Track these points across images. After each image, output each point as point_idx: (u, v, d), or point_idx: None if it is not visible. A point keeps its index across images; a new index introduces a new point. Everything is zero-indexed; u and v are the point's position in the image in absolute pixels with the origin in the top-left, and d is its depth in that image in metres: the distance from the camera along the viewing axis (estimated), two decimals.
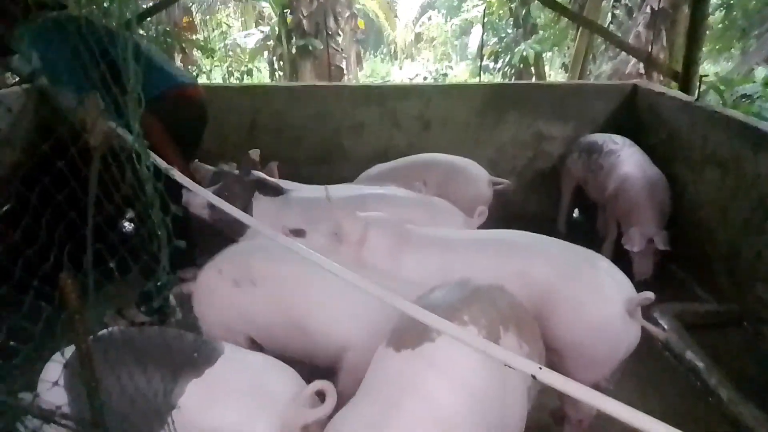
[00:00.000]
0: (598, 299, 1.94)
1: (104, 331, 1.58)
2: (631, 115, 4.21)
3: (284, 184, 3.04)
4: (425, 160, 3.62)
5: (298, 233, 2.24)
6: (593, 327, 1.91)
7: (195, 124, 3.28)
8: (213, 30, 15.72)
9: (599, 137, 3.90)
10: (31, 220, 1.16)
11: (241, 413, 1.41)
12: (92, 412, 1.07)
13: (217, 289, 2.13)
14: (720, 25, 9.88)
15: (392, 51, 22.37)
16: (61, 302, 1.06)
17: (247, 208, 2.75)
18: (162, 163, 1.30)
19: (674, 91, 4.02)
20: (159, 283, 1.21)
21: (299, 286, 2.03)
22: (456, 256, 2.19)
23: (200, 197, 2.84)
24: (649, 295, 1.90)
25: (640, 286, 2.03)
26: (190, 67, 12.57)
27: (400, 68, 20.33)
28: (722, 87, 5.06)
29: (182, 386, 1.42)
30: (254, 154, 2.97)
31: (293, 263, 1.99)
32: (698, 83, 3.74)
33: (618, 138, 3.82)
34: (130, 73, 0.90)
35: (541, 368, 0.91)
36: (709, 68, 10.31)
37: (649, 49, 5.60)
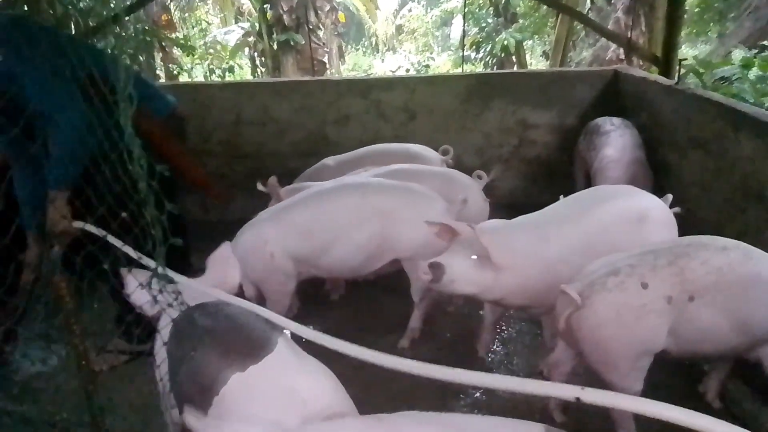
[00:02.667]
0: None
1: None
2: (613, 100, 4.25)
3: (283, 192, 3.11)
4: (380, 149, 3.70)
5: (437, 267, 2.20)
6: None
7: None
8: (192, 27, 15.56)
9: (602, 119, 3.90)
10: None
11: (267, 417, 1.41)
12: (91, 414, 1.07)
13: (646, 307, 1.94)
14: (697, 9, 9.99)
15: (374, 44, 22.33)
16: (56, 304, 1.06)
17: None
18: None
19: (655, 75, 4.07)
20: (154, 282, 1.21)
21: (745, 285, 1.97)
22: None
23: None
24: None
25: None
26: (170, 65, 12.46)
27: (382, 61, 20.31)
28: (701, 70, 5.12)
29: (227, 377, 1.43)
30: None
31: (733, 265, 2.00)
32: (678, 67, 3.78)
33: (616, 120, 3.82)
34: (120, 73, 0.90)
35: (583, 389, 0.87)
36: (687, 51, 10.42)
37: (629, 35, 5.64)
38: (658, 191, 3.50)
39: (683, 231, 3.42)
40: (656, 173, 3.54)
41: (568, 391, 0.85)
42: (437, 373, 1.03)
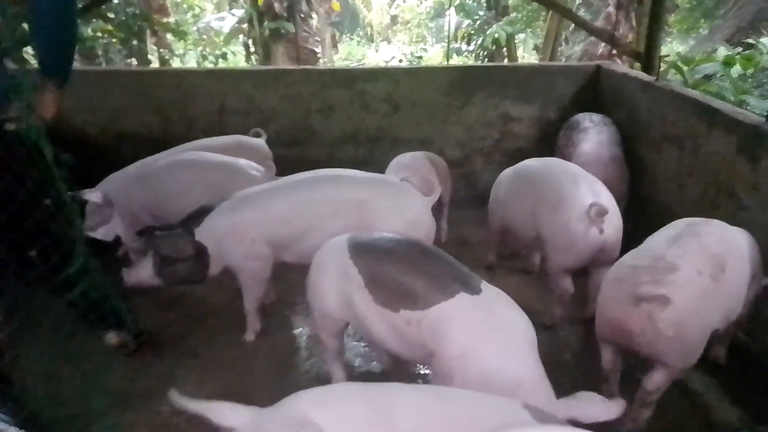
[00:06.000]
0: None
1: None
2: (594, 95, 4.29)
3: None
4: (198, 145, 3.58)
5: None
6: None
7: None
8: (185, 12, 15.40)
9: (581, 115, 3.94)
10: None
11: None
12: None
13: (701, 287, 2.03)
14: (687, 5, 10.03)
15: (368, 34, 22.21)
16: None
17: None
18: None
19: (636, 72, 4.11)
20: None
21: None
22: None
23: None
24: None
25: None
26: (161, 50, 12.35)
27: (377, 51, 20.19)
28: (684, 67, 5.16)
29: None
30: None
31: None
32: (658, 63, 3.83)
33: (597, 117, 3.86)
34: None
35: None
36: (676, 47, 10.46)
37: (616, 30, 5.67)
38: (634, 186, 3.57)
39: (659, 226, 3.49)
40: (632, 169, 3.59)
41: None
42: None
